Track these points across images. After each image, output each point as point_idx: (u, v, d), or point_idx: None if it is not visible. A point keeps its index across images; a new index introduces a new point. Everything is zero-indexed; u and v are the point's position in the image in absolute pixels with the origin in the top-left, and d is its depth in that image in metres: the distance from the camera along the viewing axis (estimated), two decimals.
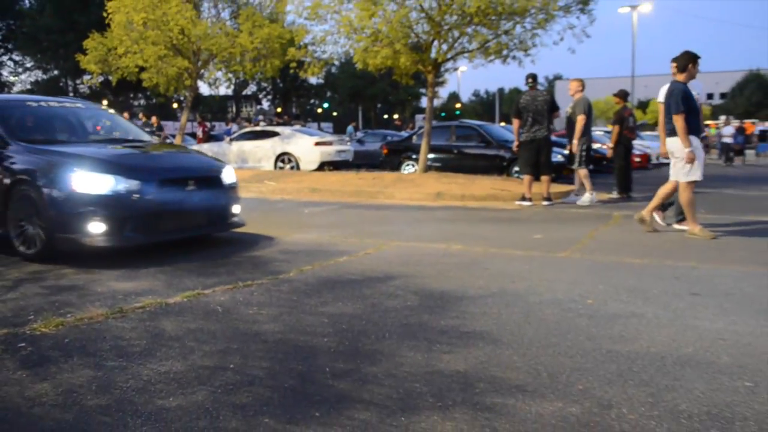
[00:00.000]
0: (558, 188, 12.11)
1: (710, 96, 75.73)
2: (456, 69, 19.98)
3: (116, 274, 5.37)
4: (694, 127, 7.10)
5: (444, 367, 3.23)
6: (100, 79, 22.43)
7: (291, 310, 4.28)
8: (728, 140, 27.34)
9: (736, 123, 31.53)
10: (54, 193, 5.78)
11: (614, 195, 12.08)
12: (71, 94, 48.06)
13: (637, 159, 21.69)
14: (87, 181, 5.78)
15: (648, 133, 30.28)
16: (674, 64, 7.39)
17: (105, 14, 18.41)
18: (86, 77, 25.62)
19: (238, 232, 7.56)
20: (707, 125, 36.94)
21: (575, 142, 11.03)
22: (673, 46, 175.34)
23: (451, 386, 2.98)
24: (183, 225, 6.52)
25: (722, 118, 38.42)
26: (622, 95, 12.46)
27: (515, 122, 10.85)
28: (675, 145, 7.19)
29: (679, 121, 7.01)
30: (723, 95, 75.46)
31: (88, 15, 36.82)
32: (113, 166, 6.00)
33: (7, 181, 6.14)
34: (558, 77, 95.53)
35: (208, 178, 6.86)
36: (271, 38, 18.19)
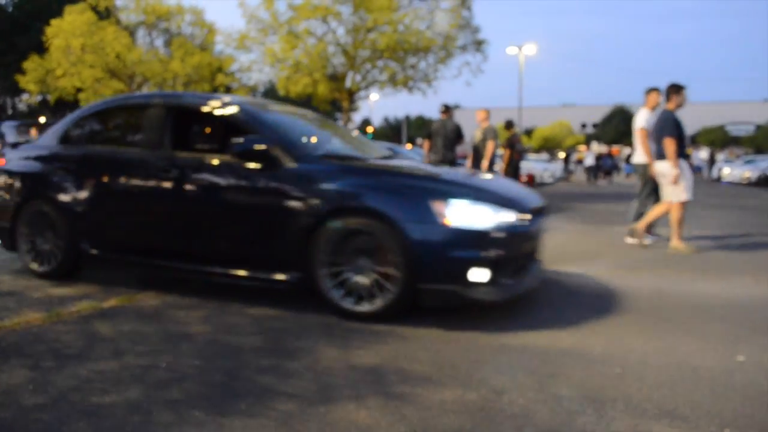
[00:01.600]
0: None
1: (584, 126, 79.24)
2: (368, 97, 20.12)
3: (52, 281, 5.09)
4: (680, 151, 7.10)
5: (358, 362, 3.22)
6: (39, 98, 21.35)
7: (218, 312, 4.17)
8: (590, 163, 29.43)
9: (604, 148, 33.21)
10: (418, 230, 3.82)
11: None
12: (10, 112, 45.45)
13: (525, 179, 22.43)
14: (469, 213, 3.89)
15: (533, 156, 31.41)
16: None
17: (44, 38, 17.60)
18: (25, 96, 24.32)
19: None
20: (579, 151, 38.76)
21: (485, 164, 11.25)
22: (555, 82, 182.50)
23: (365, 378, 2.98)
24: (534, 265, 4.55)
25: (594, 144, 40.31)
26: (509, 125, 12.92)
27: (426, 144, 11.01)
28: (664, 168, 7.10)
29: (671, 145, 6.95)
30: (595, 125, 78.97)
31: (28, 38, 34.93)
32: (486, 194, 4.10)
33: (314, 209, 4.04)
34: (457, 107, 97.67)
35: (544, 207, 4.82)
36: (201, 65, 17.88)
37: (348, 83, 14.55)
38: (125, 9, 18.80)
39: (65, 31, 17.04)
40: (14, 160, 5.47)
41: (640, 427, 2.48)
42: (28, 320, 3.84)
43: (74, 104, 20.80)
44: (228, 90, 15.97)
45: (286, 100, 16.31)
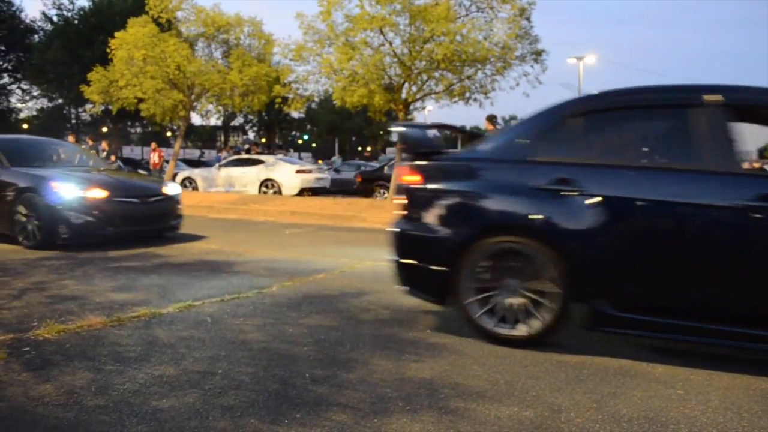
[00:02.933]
0: None
1: None
2: (424, 108, 20.19)
3: (113, 286, 5.28)
4: None
5: (412, 375, 3.23)
6: (102, 108, 22.17)
7: (274, 321, 4.25)
8: None
9: None
10: None
11: None
12: (74, 122, 47.39)
13: None
14: None
15: None
16: None
17: (108, 50, 18.30)
18: (89, 106, 25.29)
19: (226, 251, 7.51)
20: None
21: None
22: None
23: (419, 392, 2.99)
24: None
25: None
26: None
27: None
28: None
29: None
30: None
31: (93, 50, 36.42)
32: None
33: None
34: (513, 118, 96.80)
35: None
36: (258, 76, 18.21)
37: (404, 94, 14.60)
38: (186, 21, 19.39)
39: (128, 43, 17.66)
40: (459, 176, 4.05)
41: None
42: (90, 324, 3.99)
43: (135, 114, 21.55)
44: (284, 101, 16.24)
45: (342, 109, 16.49)
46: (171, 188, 8.82)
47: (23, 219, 7.51)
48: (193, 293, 5.05)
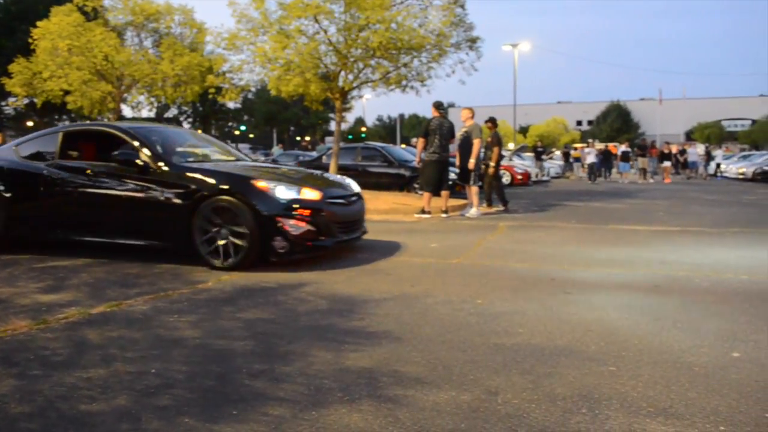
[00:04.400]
0: (454, 202, 12.34)
1: (579, 123, 79.36)
2: (361, 96, 20.10)
3: (40, 287, 5.08)
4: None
5: (351, 364, 3.22)
6: (25, 101, 21.25)
7: (209, 317, 4.17)
8: (592, 161, 27.84)
9: (601, 146, 32.94)
10: None
11: (500, 207, 12.43)
12: None
13: (519, 176, 22.50)
14: None
15: (527, 154, 31.35)
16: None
17: (30, 40, 17.50)
18: (11, 99, 24.15)
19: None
20: (575, 148, 38.66)
21: (473, 161, 11.26)
22: (550, 80, 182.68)
23: (358, 381, 2.98)
24: None
25: (589, 141, 40.30)
26: (493, 121, 12.92)
27: (420, 142, 11.01)
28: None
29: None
30: (590, 122, 79.12)
31: (14, 40, 34.79)
32: None
33: None
34: (451, 105, 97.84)
35: None
36: (191, 66, 17.78)
37: (340, 83, 14.50)
38: (113, 9, 18.71)
39: (52, 32, 16.92)
40: None
41: (634, 426, 2.49)
42: (15, 328, 3.82)
43: (62, 107, 20.71)
44: (218, 91, 15.89)
45: (278, 99, 16.28)
46: (354, 184, 7.43)
47: (212, 230, 5.81)
48: (125, 291, 4.90)
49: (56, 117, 49.94)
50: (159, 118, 65.34)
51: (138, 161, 6.13)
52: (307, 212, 5.84)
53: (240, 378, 3.02)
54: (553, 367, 3.19)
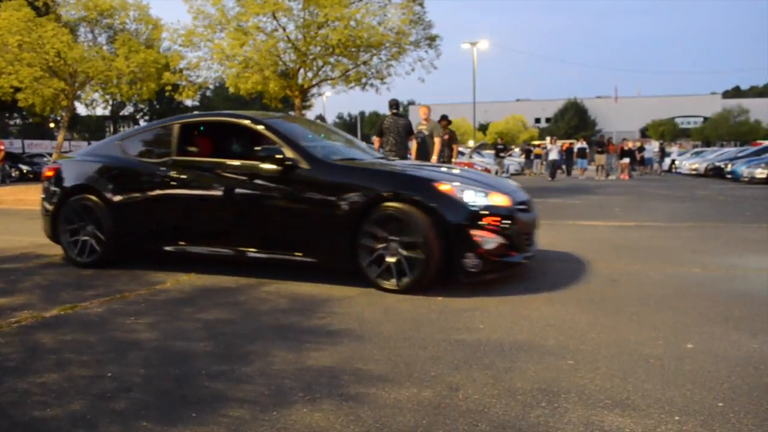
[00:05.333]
0: None
1: (538, 120, 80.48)
2: (321, 94, 20.01)
3: None
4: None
5: (312, 364, 3.20)
6: None
7: (168, 318, 4.10)
8: (555, 157, 28.10)
9: (564, 143, 33.43)
10: None
11: None
12: None
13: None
14: None
15: (487, 152, 31.66)
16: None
17: None
18: None
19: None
20: (536, 145, 39.18)
21: (434, 158, 11.30)
22: (509, 78, 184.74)
23: (319, 380, 2.97)
24: None
25: (548, 138, 40.88)
26: (446, 118, 13.01)
27: (376, 141, 11.00)
28: None
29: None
30: (548, 120, 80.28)
31: None
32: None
33: None
34: (411, 102, 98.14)
35: None
36: (147, 63, 17.49)
37: (300, 80, 14.43)
38: (65, 4, 18.27)
39: (1, 28, 16.45)
40: None
41: (593, 418, 2.53)
42: None
43: (13, 104, 20.13)
44: (175, 88, 15.66)
45: (237, 96, 16.13)
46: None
47: (378, 246, 4.79)
48: (80, 294, 4.79)
49: (6, 115, 48.51)
50: (115, 115, 64.02)
51: (284, 159, 5.13)
52: (498, 221, 4.77)
53: (199, 380, 2.98)
54: (513, 362, 3.22)
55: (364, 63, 14.14)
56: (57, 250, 6.91)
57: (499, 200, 4.91)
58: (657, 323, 3.89)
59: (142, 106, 59.80)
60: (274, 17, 13.55)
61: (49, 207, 6.14)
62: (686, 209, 11.94)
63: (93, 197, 5.85)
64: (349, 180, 4.98)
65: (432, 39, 14.46)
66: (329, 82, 14.80)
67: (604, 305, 4.36)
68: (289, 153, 5.17)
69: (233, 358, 3.30)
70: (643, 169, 31.57)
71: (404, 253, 4.70)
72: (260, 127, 5.52)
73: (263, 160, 5.19)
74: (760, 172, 20.68)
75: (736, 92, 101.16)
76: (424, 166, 5.80)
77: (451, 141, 12.72)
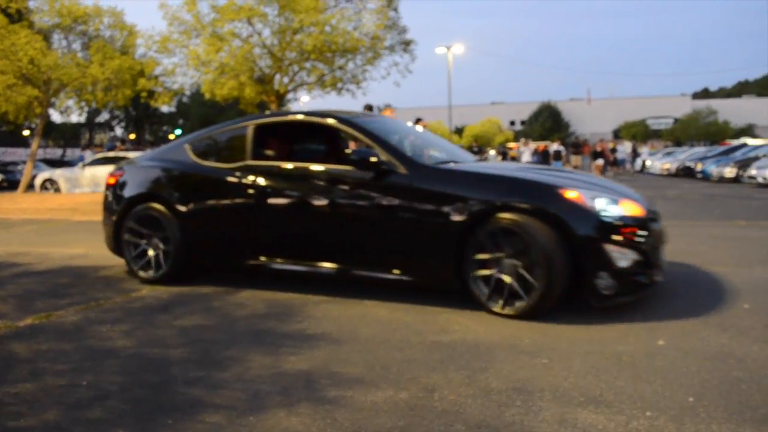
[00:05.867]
0: None
1: (513, 123, 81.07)
2: (297, 99, 19.96)
3: None
4: None
5: (289, 368, 3.19)
6: None
7: (144, 325, 4.06)
8: (527, 159, 28.40)
9: (537, 144, 33.70)
10: None
11: None
12: None
13: None
14: None
15: None
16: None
17: None
18: None
19: (92, 255, 7.08)
20: (510, 148, 39.45)
21: None
22: (484, 81, 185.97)
23: (296, 384, 2.96)
24: None
25: (522, 140, 41.16)
26: (421, 120, 13.03)
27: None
28: None
29: None
30: (523, 122, 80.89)
31: None
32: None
33: None
34: (388, 106, 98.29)
35: None
36: (122, 69, 17.29)
37: (275, 85, 14.40)
38: (39, 11, 18.04)
39: None
40: None
41: (567, 415, 2.56)
42: None
43: None
44: (151, 95, 15.54)
45: (213, 102, 16.05)
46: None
47: (490, 264, 4.14)
48: (55, 302, 4.72)
49: None
50: (90, 122, 63.26)
51: (380, 163, 4.49)
52: (633, 234, 4.06)
53: (176, 386, 2.95)
54: (488, 361, 3.24)
55: (340, 68, 14.17)
56: (31, 259, 6.82)
57: (632, 208, 4.18)
58: (630, 320, 3.94)
59: (118, 112, 59.20)
60: (250, 23, 13.51)
61: (112, 217, 5.61)
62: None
63: (159, 206, 5.31)
64: (454, 187, 4.29)
65: (407, 44, 14.54)
66: (305, 87, 14.80)
67: (577, 303, 4.39)
68: (384, 156, 4.52)
69: (210, 364, 3.28)
70: (616, 170, 31.92)
71: (522, 272, 4.01)
72: (347, 127, 4.94)
73: (352, 163, 4.57)
74: (728, 172, 21.03)
75: (705, 93, 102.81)
76: (539, 170, 5.07)
77: None
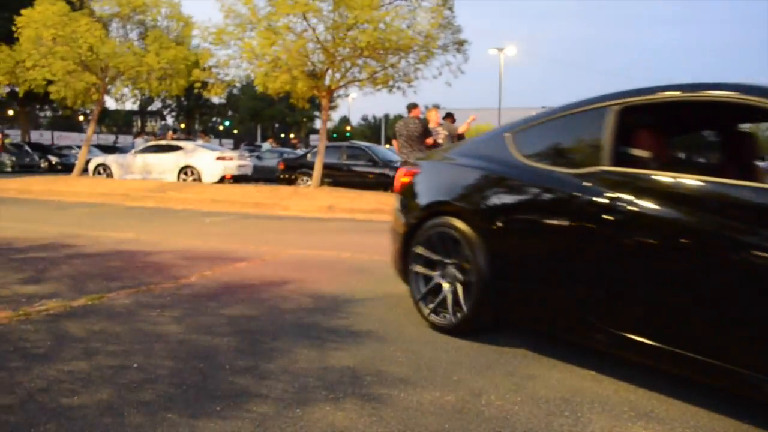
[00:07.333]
0: None
1: None
2: (347, 95, 20.07)
3: (20, 278, 5.00)
4: None
5: (335, 363, 3.21)
6: (7, 89, 20.95)
7: (192, 312, 4.13)
8: None
9: None
10: None
11: None
12: None
13: None
14: None
15: None
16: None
17: (14, 28, 17.25)
18: None
19: (142, 240, 7.25)
20: None
21: None
22: (535, 84, 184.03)
23: (342, 380, 2.97)
24: None
25: None
26: (452, 116, 12.77)
27: (395, 144, 11.08)
28: None
29: None
30: None
31: None
32: None
33: None
34: (436, 106, 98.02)
35: None
36: (177, 59, 17.63)
37: (327, 81, 14.48)
38: (99, 0, 18.53)
39: (36, 21, 16.69)
40: None
41: (616, 429, 2.51)
42: None
43: (45, 97, 20.43)
44: (204, 85, 15.80)
45: (264, 95, 16.23)
46: None
47: None
48: (107, 284, 4.84)
49: (38, 107, 49.31)
50: (142, 110, 64.80)
51: None
52: None
53: (224, 374, 3.00)
54: (535, 369, 3.20)
55: (392, 66, 14.12)
56: (83, 241, 7.01)
57: None
58: None
59: (169, 101, 60.41)
60: (305, 18, 13.59)
61: (400, 229, 4.29)
62: None
63: (460, 223, 3.75)
64: None
65: (460, 43, 14.41)
66: (357, 83, 14.83)
67: None
68: None
69: (257, 354, 3.32)
70: None
71: None
72: None
73: None
74: None
75: None
76: None
77: (460, 139, 12.56)
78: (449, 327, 3.79)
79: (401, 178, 4.50)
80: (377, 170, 15.75)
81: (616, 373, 3.16)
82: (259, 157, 23.73)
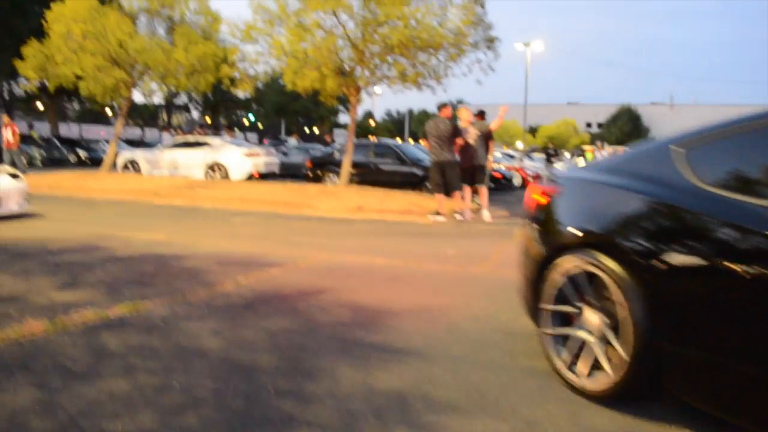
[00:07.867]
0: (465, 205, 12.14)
1: (589, 125, 79.09)
2: (373, 93, 19.92)
3: (55, 284, 4.97)
4: None
5: (381, 386, 3.10)
6: (37, 84, 21.15)
7: (230, 324, 4.05)
8: None
9: (610, 148, 32.82)
10: None
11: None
12: (6, 97, 45.09)
13: (531, 178, 22.35)
14: None
15: (537, 155, 31.20)
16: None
17: (44, 23, 17.40)
18: (23, 82, 24.02)
19: (174, 242, 7.22)
20: (586, 151, 38.45)
21: (490, 158, 11.10)
22: (561, 80, 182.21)
23: (389, 405, 2.87)
24: None
25: (597, 143, 40.09)
26: (483, 114, 12.35)
27: (424, 144, 10.94)
28: None
29: None
30: (600, 125, 78.77)
31: (27, 22, 34.59)
32: None
33: None
34: (460, 101, 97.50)
35: None
36: (205, 55, 17.66)
37: (357, 78, 14.38)
38: None
39: (66, 16, 16.80)
40: None
41: None
42: (32, 331, 3.70)
43: (74, 92, 20.60)
44: (232, 81, 15.80)
45: (290, 91, 16.16)
46: None
47: None
48: (141, 291, 4.79)
49: (66, 99, 49.86)
50: (168, 104, 65.28)
51: None
52: None
53: (267, 397, 2.91)
54: (590, 397, 3.06)
55: (422, 63, 13.96)
56: (115, 243, 6.99)
57: None
58: None
59: (195, 96, 60.78)
60: (335, 14, 13.49)
61: (531, 261, 3.61)
62: None
63: (607, 260, 2.97)
64: None
65: (491, 41, 14.20)
66: (386, 80, 14.68)
67: None
68: None
69: (300, 374, 3.22)
70: None
71: None
72: None
73: None
74: None
75: None
76: None
77: (487, 137, 12.30)
78: (595, 393, 2.99)
79: (536, 196, 3.73)
80: (405, 169, 15.63)
81: (675, 404, 3.00)
82: (285, 153, 23.74)
